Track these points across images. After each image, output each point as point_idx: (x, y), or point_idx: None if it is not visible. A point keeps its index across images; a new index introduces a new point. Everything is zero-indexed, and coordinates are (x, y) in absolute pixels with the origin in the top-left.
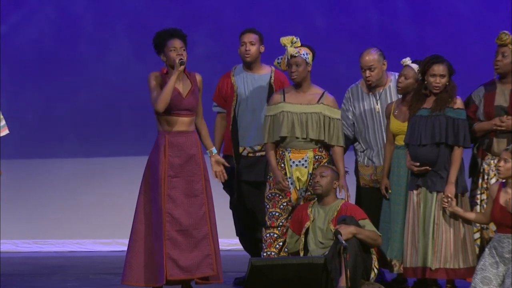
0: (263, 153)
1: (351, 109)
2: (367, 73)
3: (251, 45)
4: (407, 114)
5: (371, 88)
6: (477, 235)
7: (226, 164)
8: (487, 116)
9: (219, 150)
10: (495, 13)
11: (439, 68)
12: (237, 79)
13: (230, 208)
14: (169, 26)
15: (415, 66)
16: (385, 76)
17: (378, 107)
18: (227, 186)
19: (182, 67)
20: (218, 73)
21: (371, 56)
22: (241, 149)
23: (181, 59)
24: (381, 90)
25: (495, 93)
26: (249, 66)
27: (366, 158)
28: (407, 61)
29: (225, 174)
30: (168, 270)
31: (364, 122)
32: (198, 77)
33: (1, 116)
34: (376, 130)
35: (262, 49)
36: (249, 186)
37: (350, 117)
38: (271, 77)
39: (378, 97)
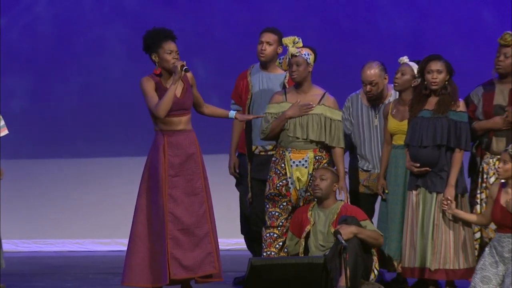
0: (275, 152)
1: (349, 118)
2: (368, 87)
3: (268, 45)
4: (405, 113)
5: (371, 101)
6: (477, 235)
7: (252, 116)
8: (486, 115)
9: (236, 148)
10: (494, 13)
11: (436, 64)
12: (253, 78)
13: (240, 205)
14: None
15: (412, 64)
16: (386, 90)
17: (376, 121)
18: (239, 184)
19: (183, 73)
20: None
21: (373, 71)
22: (253, 147)
23: (186, 67)
24: (381, 105)
25: (494, 93)
26: (264, 65)
27: (360, 166)
28: (405, 59)
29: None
30: (171, 269)
31: (361, 135)
32: (189, 75)
33: (0, 117)
34: (372, 145)
35: (280, 50)
36: (259, 184)
37: (348, 126)
38: (285, 77)
39: (377, 111)
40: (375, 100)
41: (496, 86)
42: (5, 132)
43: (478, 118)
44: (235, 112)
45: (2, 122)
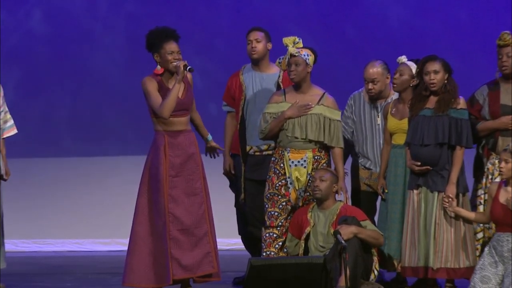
0: (270, 152)
1: (352, 116)
2: (370, 85)
3: (257, 42)
4: (404, 111)
5: (372, 99)
6: (480, 235)
7: (220, 149)
8: (492, 115)
9: (230, 149)
10: (495, 13)
11: (432, 65)
12: (245, 78)
13: (235, 206)
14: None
15: (410, 64)
16: (388, 88)
17: (379, 119)
18: (233, 185)
19: (186, 72)
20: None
21: (375, 69)
22: (248, 148)
23: (190, 67)
24: (384, 102)
25: (500, 92)
26: (257, 64)
27: (362, 164)
28: (403, 59)
29: (215, 154)
30: (172, 269)
31: (363, 133)
32: (189, 76)
33: (9, 116)
34: (374, 143)
35: (270, 46)
36: (255, 185)
37: (350, 124)
38: (279, 76)
39: (379, 110)
40: (377, 99)
41: (500, 86)
42: (13, 131)
43: (485, 117)
44: (211, 138)
45: (11, 122)
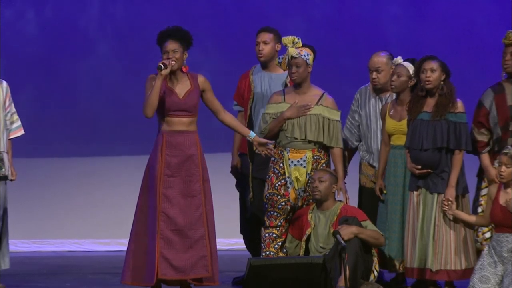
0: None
1: (358, 110)
2: (374, 74)
3: (265, 45)
4: (403, 112)
5: (377, 91)
6: (488, 235)
7: (270, 142)
8: (502, 118)
9: (238, 148)
10: (494, 13)
11: (429, 64)
12: (254, 78)
13: (240, 205)
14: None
15: (407, 64)
16: None
17: None
18: (239, 184)
19: (166, 71)
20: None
21: (380, 58)
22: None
23: (160, 64)
24: (388, 95)
25: (505, 94)
26: (265, 65)
27: (367, 160)
28: (399, 59)
29: (273, 150)
30: (161, 269)
31: (368, 126)
32: (201, 78)
33: (16, 117)
34: (379, 136)
35: (279, 47)
36: (261, 184)
37: (357, 118)
38: (287, 76)
39: (384, 102)
40: (382, 91)
41: (505, 87)
42: (20, 132)
43: (493, 122)
44: (255, 135)
45: (18, 123)
